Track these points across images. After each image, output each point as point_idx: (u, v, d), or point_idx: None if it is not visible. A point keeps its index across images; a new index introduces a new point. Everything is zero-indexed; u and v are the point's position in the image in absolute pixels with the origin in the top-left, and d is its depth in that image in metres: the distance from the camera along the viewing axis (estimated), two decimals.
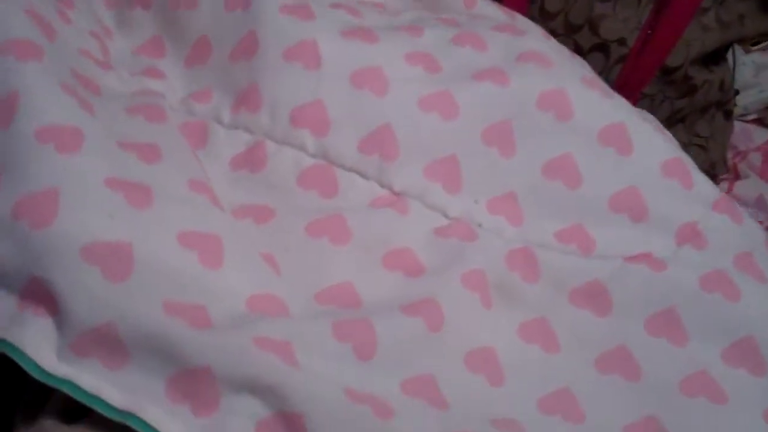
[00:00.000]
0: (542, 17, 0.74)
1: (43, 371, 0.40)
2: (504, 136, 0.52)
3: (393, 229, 0.50)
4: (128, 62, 0.54)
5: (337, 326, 0.44)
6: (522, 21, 0.61)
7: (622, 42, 0.75)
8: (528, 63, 0.54)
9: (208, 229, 0.44)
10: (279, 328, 0.42)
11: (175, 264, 0.42)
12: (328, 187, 0.51)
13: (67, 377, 0.40)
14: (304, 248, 0.48)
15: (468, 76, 0.53)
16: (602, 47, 0.76)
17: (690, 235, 0.52)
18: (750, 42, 0.88)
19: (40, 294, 0.41)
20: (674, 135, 0.61)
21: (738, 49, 0.87)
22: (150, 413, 0.40)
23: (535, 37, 0.57)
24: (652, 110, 0.72)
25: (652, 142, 0.54)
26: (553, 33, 0.68)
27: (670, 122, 0.77)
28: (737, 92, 0.88)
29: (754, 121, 0.91)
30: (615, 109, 0.54)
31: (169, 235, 0.43)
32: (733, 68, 0.85)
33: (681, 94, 0.78)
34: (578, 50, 0.73)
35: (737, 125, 0.89)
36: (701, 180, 0.54)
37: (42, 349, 0.40)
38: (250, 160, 0.51)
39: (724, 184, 0.85)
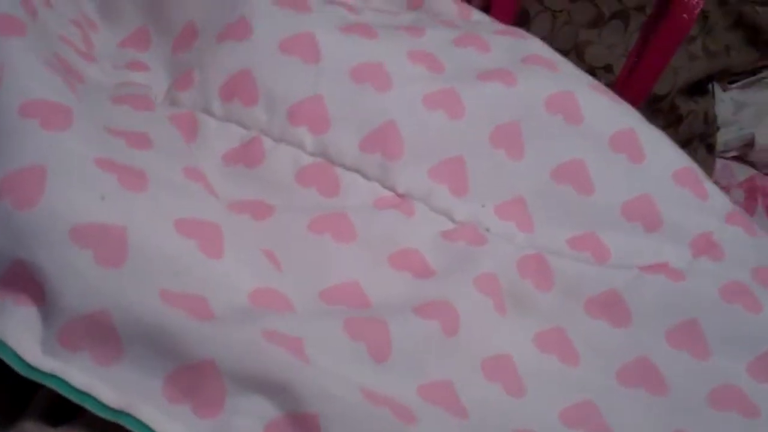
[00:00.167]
0: None
1: (26, 365, 0.36)
2: (512, 138, 0.50)
3: (399, 230, 0.47)
4: (112, 55, 0.51)
5: (350, 324, 0.40)
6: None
7: (608, 69, 0.74)
8: (534, 65, 0.52)
9: (207, 217, 0.41)
10: (287, 323, 0.39)
11: (172, 252, 0.38)
12: (328, 186, 0.48)
13: (54, 372, 0.36)
14: (307, 245, 0.44)
15: (473, 76, 0.51)
16: (588, 74, 0.74)
17: (706, 246, 0.50)
18: (728, 80, 0.88)
19: (23, 280, 0.37)
20: None
21: (716, 86, 0.87)
22: (146, 412, 0.36)
23: (538, 43, 0.55)
24: None
25: (663, 150, 0.52)
26: None
27: None
28: (718, 128, 0.88)
29: (734, 158, 0.90)
30: (624, 115, 0.52)
31: (165, 220, 0.39)
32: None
33: (667, 124, 0.77)
34: None
35: (718, 162, 0.88)
36: (714, 190, 0.52)
37: (25, 340, 0.36)
38: (246, 156, 0.48)
39: None
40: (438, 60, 0.52)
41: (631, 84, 0.74)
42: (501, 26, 0.57)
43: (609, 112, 0.52)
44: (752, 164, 0.86)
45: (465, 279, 0.45)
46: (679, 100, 0.77)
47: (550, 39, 0.73)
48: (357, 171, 0.48)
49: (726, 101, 0.89)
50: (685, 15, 0.74)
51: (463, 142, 0.49)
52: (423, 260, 0.46)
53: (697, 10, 0.73)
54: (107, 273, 0.37)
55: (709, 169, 0.85)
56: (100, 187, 0.38)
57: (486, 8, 0.64)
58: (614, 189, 0.50)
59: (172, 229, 0.39)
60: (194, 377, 0.36)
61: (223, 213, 0.43)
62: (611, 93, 0.54)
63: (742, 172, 0.88)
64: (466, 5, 0.61)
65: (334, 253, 0.45)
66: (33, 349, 0.36)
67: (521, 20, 0.70)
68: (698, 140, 0.83)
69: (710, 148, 0.85)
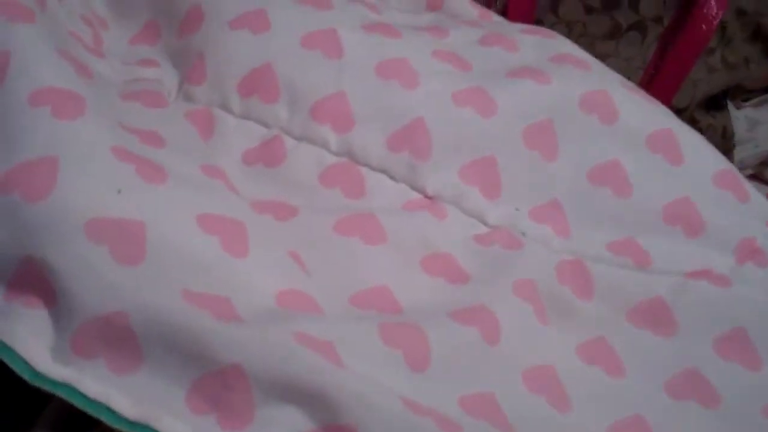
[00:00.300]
0: None
1: (36, 373, 0.32)
2: (545, 137, 0.47)
3: (431, 233, 0.44)
4: (122, 53, 0.48)
5: (384, 330, 0.37)
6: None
7: None
8: (565, 64, 0.50)
9: (231, 214, 0.38)
10: (317, 326, 0.35)
11: (194, 249, 0.35)
12: (353, 187, 0.45)
13: (66, 380, 0.32)
14: (334, 247, 0.41)
15: (502, 75, 0.49)
16: None
17: (750, 252, 0.47)
18: (741, 97, 0.86)
19: (33, 279, 0.33)
20: None
21: (730, 104, 0.85)
22: (167, 424, 0.32)
23: (567, 42, 0.52)
24: None
25: (701, 151, 0.49)
26: None
27: None
28: (734, 145, 0.86)
29: (750, 177, 0.88)
30: (661, 115, 0.50)
31: (187, 216, 0.36)
32: None
33: None
34: None
35: None
36: (755, 194, 0.50)
37: (35, 346, 0.33)
38: (266, 155, 0.45)
39: None
40: (464, 59, 0.49)
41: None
42: (526, 26, 0.54)
43: (645, 112, 0.49)
44: None
45: (503, 284, 0.42)
46: (698, 114, 0.75)
47: None
48: (384, 171, 0.45)
49: (740, 119, 0.87)
50: (704, 26, 0.72)
51: (495, 141, 0.46)
52: (457, 264, 0.43)
53: (717, 21, 0.72)
54: (124, 271, 0.33)
55: None
56: (116, 178, 0.35)
57: None
58: (653, 191, 0.47)
59: (194, 224, 0.36)
60: (220, 385, 0.33)
61: (247, 211, 0.40)
62: (645, 93, 0.51)
63: (759, 190, 0.85)
64: (485, 9, 0.59)
65: (362, 256, 0.41)
66: (43, 355, 0.33)
67: None
68: None
69: None
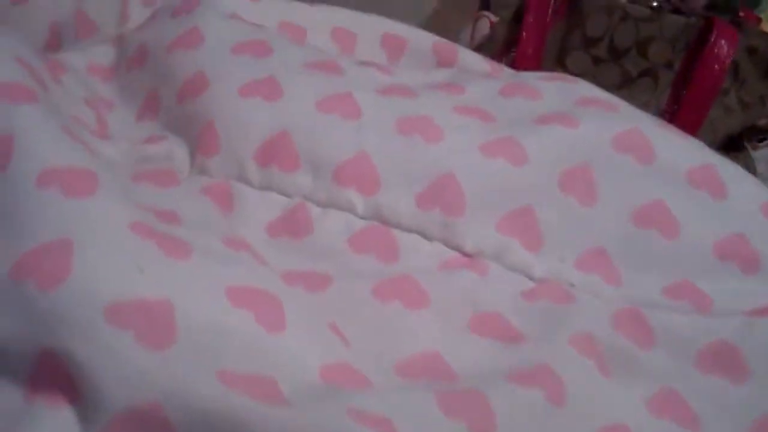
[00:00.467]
0: None
1: None
2: (582, 182, 0.44)
3: (475, 292, 0.40)
4: (129, 133, 0.46)
5: (443, 400, 0.33)
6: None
7: None
8: (592, 106, 0.47)
9: (262, 285, 0.35)
10: (371, 401, 0.32)
11: (228, 326, 0.32)
12: (386, 250, 0.42)
13: None
14: (374, 314, 0.38)
15: (529, 123, 0.46)
16: None
17: None
18: (757, 138, 0.84)
19: (54, 374, 0.30)
20: None
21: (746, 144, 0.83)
22: None
23: (589, 85, 0.50)
24: None
25: (744, 183, 0.47)
26: None
27: None
28: None
29: None
30: (697, 149, 0.47)
31: (216, 290, 0.33)
32: None
33: None
34: None
35: None
36: None
37: None
38: (291, 226, 0.42)
39: None
40: (486, 112, 0.47)
41: None
42: (545, 73, 0.52)
43: (681, 147, 0.47)
44: None
45: (560, 341, 0.38)
46: None
47: None
48: (416, 231, 0.42)
49: (758, 159, 0.85)
50: (716, 66, 0.70)
51: (530, 190, 0.43)
52: (507, 324, 0.40)
53: (729, 61, 0.70)
54: (154, 356, 0.30)
55: None
56: (137, 255, 0.32)
57: None
58: (702, 229, 0.44)
59: (225, 299, 0.33)
60: None
61: (278, 282, 0.36)
62: (676, 128, 0.49)
63: None
64: (497, 63, 0.57)
65: (405, 321, 0.38)
66: None
67: None
68: None
69: None
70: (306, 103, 0.44)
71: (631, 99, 0.68)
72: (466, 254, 0.42)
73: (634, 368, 0.40)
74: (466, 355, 0.38)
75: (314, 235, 0.41)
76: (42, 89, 0.39)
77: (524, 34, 0.73)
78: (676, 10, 0.74)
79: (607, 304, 0.42)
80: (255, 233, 0.41)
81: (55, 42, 0.49)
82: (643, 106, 0.68)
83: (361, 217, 0.42)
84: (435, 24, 0.58)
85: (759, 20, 0.79)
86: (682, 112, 0.71)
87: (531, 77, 0.51)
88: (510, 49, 0.75)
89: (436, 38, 0.57)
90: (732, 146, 0.76)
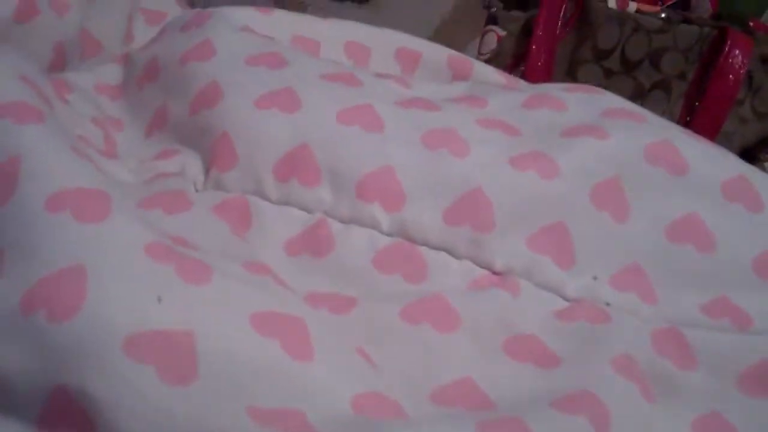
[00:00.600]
0: None
1: None
2: (614, 196, 0.42)
3: (508, 313, 0.38)
4: (138, 150, 0.43)
5: (484, 430, 0.31)
6: None
7: None
8: (619, 118, 0.46)
9: (286, 310, 0.32)
10: None
11: (254, 356, 0.30)
12: (414, 269, 0.40)
13: None
14: (403, 338, 0.36)
15: (556, 135, 0.44)
16: None
17: None
18: (766, 150, 0.83)
19: (68, 412, 0.28)
20: None
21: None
22: None
23: (614, 96, 0.48)
24: None
25: None
26: None
27: None
28: None
29: None
30: (730, 160, 0.45)
31: (239, 318, 0.31)
32: None
33: None
34: None
35: None
36: None
37: None
38: (312, 243, 0.40)
39: None
40: (511, 125, 0.45)
41: None
42: (568, 84, 0.50)
43: (713, 159, 0.45)
44: None
45: (600, 364, 0.36)
46: None
47: None
48: (444, 249, 0.40)
49: None
50: (731, 76, 0.69)
51: (562, 204, 0.42)
52: (542, 346, 0.38)
53: (744, 71, 0.69)
54: (176, 392, 0.28)
55: None
56: (155, 282, 0.30)
57: None
58: (738, 243, 0.42)
59: (249, 327, 0.31)
60: None
61: (302, 306, 0.34)
62: (706, 139, 0.47)
63: None
64: (512, 76, 0.55)
65: (437, 345, 0.36)
66: None
67: None
68: None
69: None
70: (326, 115, 0.42)
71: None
72: (495, 272, 0.40)
73: (677, 391, 0.38)
74: (501, 380, 0.36)
75: (336, 253, 0.39)
76: (48, 108, 0.38)
77: (534, 47, 0.71)
78: (686, 21, 0.72)
79: (645, 323, 0.40)
80: (273, 251, 0.39)
81: (59, 62, 0.47)
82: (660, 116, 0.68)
83: (386, 234, 0.40)
84: (441, 39, 0.56)
85: None
86: (696, 123, 0.70)
87: (553, 88, 0.49)
88: (519, 62, 0.74)
89: (451, 51, 0.55)
90: (747, 158, 0.74)
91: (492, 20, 0.75)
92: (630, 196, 0.42)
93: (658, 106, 0.70)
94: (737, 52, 0.68)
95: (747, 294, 0.41)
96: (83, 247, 0.31)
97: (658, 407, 0.37)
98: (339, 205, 0.40)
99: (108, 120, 0.45)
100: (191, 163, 0.42)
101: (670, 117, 0.68)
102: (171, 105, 0.45)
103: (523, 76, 0.69)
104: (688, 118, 0.70)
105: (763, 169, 0.74)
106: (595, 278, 0.41)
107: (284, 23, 0.51)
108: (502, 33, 0.75)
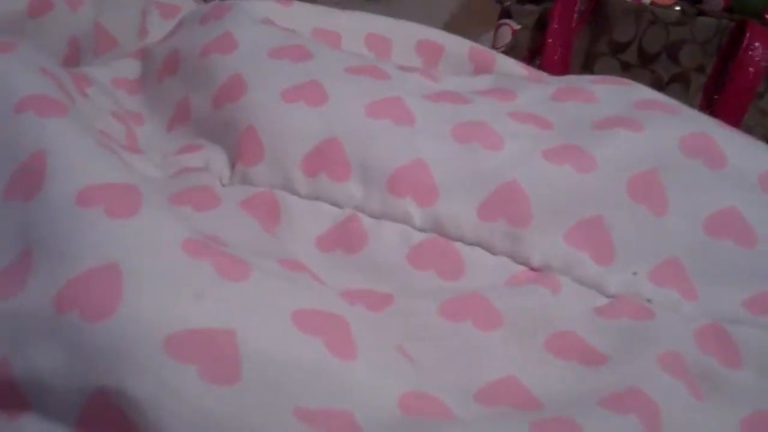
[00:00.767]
0: None
1: None
2: (652, 189, 0.41)
3: (549, 310, 0.37)
4: (161, 145, 0.42)
5: (537, 430, 0.30)
6: None
7: None
8: (653, 110, 0.44)
9: (327, 307, 0.31)
10: None
11: (296, 356, 0.29)
12: (450, 265, 0.38)
13: None
14: (443, 336, 0.35)
15: (589, 128, 0.43)
16: None
17: None
18: None
19: (107, 417, 0.27)
20: None
21: None
22: None
23: (645, 87, 0.47)
24: None
25: None
26: None
27: None
28: None
29: None
30: (765, 151, 0.44)
31: (281, 315, 0.30)
32: None
33: None
34: None
35: None
36: None
37: None
38: (343, 239, 0.38)
39: None
40: (542, 118, 0.44)
41: None
42: (595, 76, 0.49)
43: (749, 150, 0.44)
44: None
45: (647, 361, 0.35)
46: None
47: None
48: (479, 245, 0.39)
49: None
50: (751, 69, 0.68)
51: (600, 198, 0.40)
52: (584, 343, 0.36)
53: (764, 62, 0.68)
54: (220, 393, 0.27)
55: None
56: (193, 279, 0.29)
57: None
58: None
59: (291, 325, 0.29)
60: None
61: (341, 303, 0.33)
62: (739, 130, 0.46)
63: None
64: (535, 70, 0.54)
65: (478, 343, 0.35)
66: None
67: None
68: None
69: None
70: (354, 108, 0.41)
71: None
72: (533, 268, 0.39)
73: (723, 389, 0.37)
74: (545, 379, 0.35)
75: (369, 249, 0.38)
76: (70, 101, 0.36)
77: (550, 40, 0.70)
78: (702, 13, 0.72)
79: (687, 320, 0.39)
80: (305, 247, 0.38)
81: (74, 57, 0.46)
82: None
83: (419, 229, 0.39)
84: (452, 32, 0.55)
85: None
86: (715, 116, 0.69)
87: (582, 80, 0.48)
88: (534, 56, 0.73)
89: (472, 43, 0.54)
90: None
91: (506, 14, 0.74)
92: (667, 188, 0.41)
93: (677, 99, 0.68)
94: (757, 44, 0.67)
95: None
96: (117, 244, 0.29)
97: (707, 405, 0.36)
98: (370, 199, 0.39)
99: (128, 114, 0.43)
100: (216, 157, 0.41)
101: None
102: (193, 98, 0.44)
103: (540, 70, 0.68)
104: (707, 111, 0.68)
105: None
106: (635, 274, 0.40)
107: (304, 15, 0.50)
108: (517, 27, 0.74)
